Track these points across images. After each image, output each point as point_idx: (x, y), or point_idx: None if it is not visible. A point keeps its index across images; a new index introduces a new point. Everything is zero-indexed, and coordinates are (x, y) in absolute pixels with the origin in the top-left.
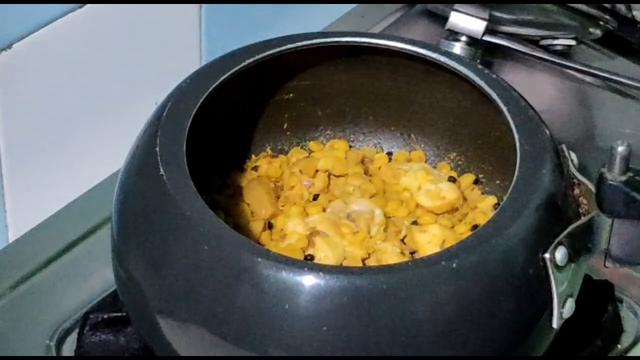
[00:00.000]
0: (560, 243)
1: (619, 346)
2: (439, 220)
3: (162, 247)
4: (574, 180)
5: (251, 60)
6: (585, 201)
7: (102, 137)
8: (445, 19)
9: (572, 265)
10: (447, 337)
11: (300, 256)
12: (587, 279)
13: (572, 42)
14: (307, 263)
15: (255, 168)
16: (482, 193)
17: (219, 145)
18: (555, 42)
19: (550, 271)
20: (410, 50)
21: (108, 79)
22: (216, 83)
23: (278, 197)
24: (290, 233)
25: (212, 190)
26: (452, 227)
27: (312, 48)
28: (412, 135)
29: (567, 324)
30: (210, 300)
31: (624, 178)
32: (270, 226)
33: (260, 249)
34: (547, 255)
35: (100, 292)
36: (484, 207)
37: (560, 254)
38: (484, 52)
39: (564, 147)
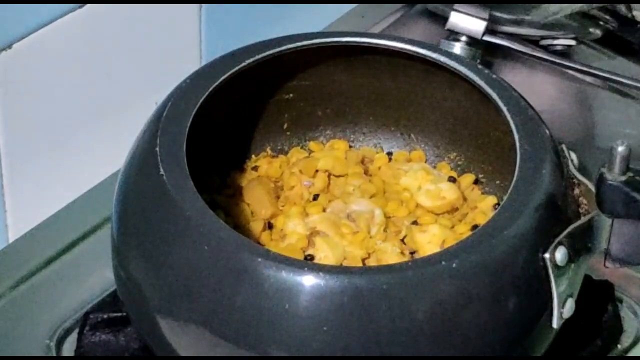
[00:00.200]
0: (560, 243)
1: (619, 346)
2: (439, 220)
3: (162, 247)
4: (574, 180)
5: (251, 60)
6: (585, 201)
7: (102, 137)
8: (445, 19)
9: (572, 265)
10: (447, 337)
11: (300, 256)
12: (587, 279)
13: (572, 42)
14: (307, 263)
15: (255, 168)
16: (482, 193)
17: (219, 145)
18: (555, 42)
19: (550, 271)
20: (410, 50)
21: (108, 79)
22: (216, 83)
23: (278, 197)
24: (290, 233)
25: (212, 190)
26: (452, 227)
27: (312, 48)
28: (412, 135)
29: (567, 324)
30: (210, 300)
31: (624, 178)
32: (270, 226)
33: (260, 249)
34: (547, 255)
35: (100, 292)
36: (484, 207)
37: (560, 254)
38: (484, 52)
39: (564, 147)
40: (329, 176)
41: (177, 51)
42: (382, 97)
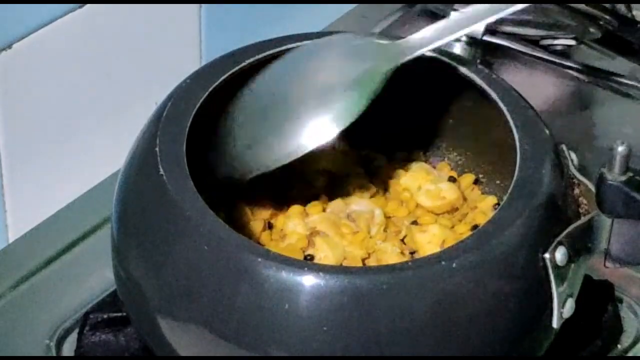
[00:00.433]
0: (560, 243)
1: (619, 346)
2: (439, 220)
3: (162, 247)
4: (574, 180)
5: (251, 60)
6: (585, 201)
7: (102, 137)
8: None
9: (572, 265)
10: (447, 337)
11: (300, 256)
12: (587, 279)
13: (572, 42)
14: (307, 263)
15: None
16: (482, 193)
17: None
18: (555, 42)
19: (550, 271)
20: None
21: (108, 79)
22: (216, 83)
23: (278, 197)
24: (290, 233)
25: (212, 190)
26: (452, 227)
27: None
28: (413, 135)
29: (567, 324)
30: (210, 300)
31: (624, 178)
32: (270, 226)
33: (260, 249)
34: (547, 255)
35: (100, 292)
36: (484, 207)
37: (560, 254)
38: (484, 52)
39: (564, 147)
40: (329, 176)
41: (177, 51)
42: (382, 97)
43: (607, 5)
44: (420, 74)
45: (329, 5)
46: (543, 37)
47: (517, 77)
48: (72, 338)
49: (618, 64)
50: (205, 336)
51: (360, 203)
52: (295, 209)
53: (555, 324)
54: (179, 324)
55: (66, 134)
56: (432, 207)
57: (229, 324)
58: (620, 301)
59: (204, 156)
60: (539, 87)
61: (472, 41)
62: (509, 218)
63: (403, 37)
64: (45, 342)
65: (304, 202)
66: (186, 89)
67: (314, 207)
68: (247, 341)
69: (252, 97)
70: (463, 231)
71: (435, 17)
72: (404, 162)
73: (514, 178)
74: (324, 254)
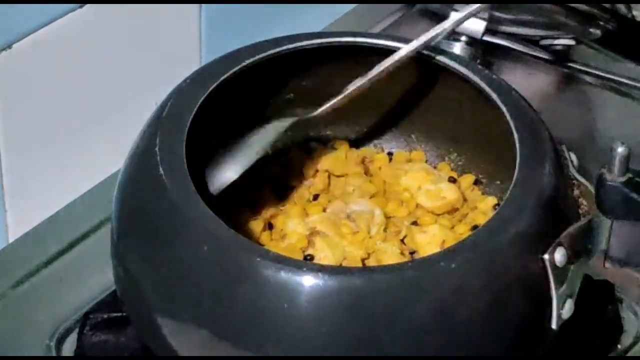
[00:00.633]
0: (559, 244)
1: (619, 346)
2: (439, 220)
3: (162, 247)
4: (574, 181)
5: (251, 60)
6: (585, 202)
7: (102, 137)
8: (445, 19)
9: (572, 266)
10: (447, 337)
11: (300, 256)
12: (587, 279)
13: (572, 42)
14: (307, 263)
15: None
16: (482, 193)
17: (218, 145)
18: (555, 42)
19: (549, 272)
20: (410, 50)
21: (108, 78)
22: (216, 83)
23: (279, 197)
24: (290, 233)
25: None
26: (452, 227)
27: (312, 48)
28: (413, 136)
29: (567, 324)
30: (210, 300)
31: (623, 179)
32: (270, 226)
33: (260, 249)
34: (546, 256)
35: (100, 292)
36: (484, 208)
37: (559, 255)
38: (484, 52)
39: (564, 147)
40: (329, 176)
41: (177, 51)
42: (383, 97)
43: (607, 5)
44: (420, 74)
45: (329, 5)
46: (543, 37)
47: (517, 77)
48: (72, 338)
49: (618, 64)
50: (205, 336)
51: (360, 203)
52: (295, 209)
53: (554, 324)
54: (179, 324)
55: (66, 134)
56: (432, 208)
57: (228, 324)
58: (620, 301)
59: (204, 156)
60: (539, 87)
61: (472, 41)
62: (508, 219)
63: (403, 38)
64: (45, 342)
65: (304, 202)
66: (186, 89)
67: (314, 207)
68: (246, 341)
69: None
70: (463, 231)
71: (435, 17)
72: (404, 162)
73: (514, 178)
74: (324, 254)
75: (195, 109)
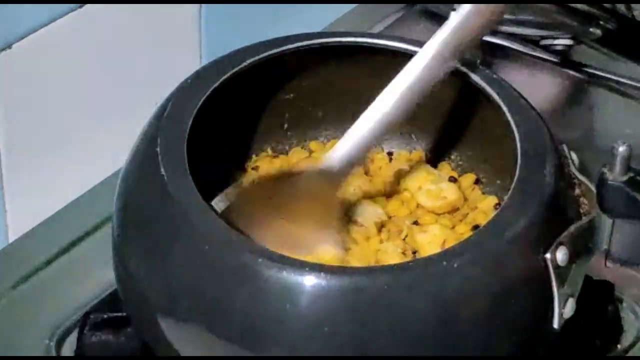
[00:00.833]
0: (560, 243)
1: (619, 346)
2: (440, 220)
3: (163, 247)
4: (575, 180)
5: (251, 60)
6: (586, 201)
7: (102, 137)
8: (445, 18)
9: (573, 265)
10: (447, 337)
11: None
12: (587, 279)
13: (572, 42)
14: (308, 263)
15: (255, 168)
16: (483, 193)
17: (219, 145)
18: (555, 42)
19: (551, 271)
20: (410, 50)
21: (108, 79)
22: (216, 83)
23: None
24: None
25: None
26: (453, 227)
27: (312, 48)
28: (413, 136)
29: (567, 324)
30: (211, 300)
31: (624, 178)
32: None
33: (261, 248)
34: (547, 256)
35: (100, 292)
36: (485, 207)
37: (561, 254)
38: (484, 52)
39: (564, 147)
40: None
41: (177, 51)
42: None
43: (607, 5)
44: None
45: (329, 5)
46: (543, 37)
47: (517, 77)
48: (72, 338)
49: (618, 64)
50: (206, 336)
51: (360, 203)
52: None
53: (556, 324)
54: (180, 324)
55: (66, 134)
56: (432, 207)
57: (229, 323)
58: (620, 301)
59: (205, 156)
60: (539, 87)
61: None
62: (509, 218)
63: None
64: (45, 342)
65: None
66: (187, 89)
67: None
68: (247, 341)
69: None
70: (464, 231)
71: (435, 17)
72: (404, 162)
73: (515, 178)
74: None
75: (196, 109)
